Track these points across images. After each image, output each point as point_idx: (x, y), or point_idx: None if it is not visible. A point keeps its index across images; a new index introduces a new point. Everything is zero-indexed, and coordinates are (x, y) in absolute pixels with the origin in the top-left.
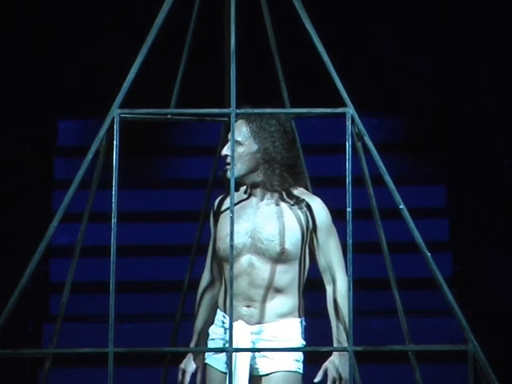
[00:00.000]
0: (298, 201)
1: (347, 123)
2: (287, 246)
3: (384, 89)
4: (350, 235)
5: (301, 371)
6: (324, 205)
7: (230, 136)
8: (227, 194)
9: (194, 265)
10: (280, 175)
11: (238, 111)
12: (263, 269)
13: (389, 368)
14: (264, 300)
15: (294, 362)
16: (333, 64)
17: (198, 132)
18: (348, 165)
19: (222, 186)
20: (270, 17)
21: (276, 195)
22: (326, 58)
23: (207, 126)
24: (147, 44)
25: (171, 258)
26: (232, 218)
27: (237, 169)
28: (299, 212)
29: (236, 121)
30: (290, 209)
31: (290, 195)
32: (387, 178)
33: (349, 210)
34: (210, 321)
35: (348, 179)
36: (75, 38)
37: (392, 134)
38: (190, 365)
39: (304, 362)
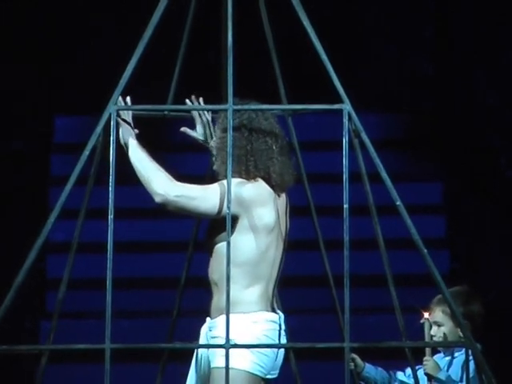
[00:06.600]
0: None
1: (344, 120)
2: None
3: (382, 85)
4: (347, 232)
5: (246, 369)
6: (222, 182)
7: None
8: None
9: (191, 261)
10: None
11: (234, 107)
12: (209, 262)
13: (385, 365)
14: (213, 295)
15: (223, 358)
16: (331, 61)
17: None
18: (345, 161)
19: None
20: (267, 14)
21: None
22: (323, 56)
23: None
24: (144, 40)
25: (168, 255)
26: (229, 215)
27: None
28: None
29: None
30: None
31: None
32: (384, 175)
33: (346, 206)
34: None
35: (345, 176)
36: (72, 35)
37: (389, 130)
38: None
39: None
